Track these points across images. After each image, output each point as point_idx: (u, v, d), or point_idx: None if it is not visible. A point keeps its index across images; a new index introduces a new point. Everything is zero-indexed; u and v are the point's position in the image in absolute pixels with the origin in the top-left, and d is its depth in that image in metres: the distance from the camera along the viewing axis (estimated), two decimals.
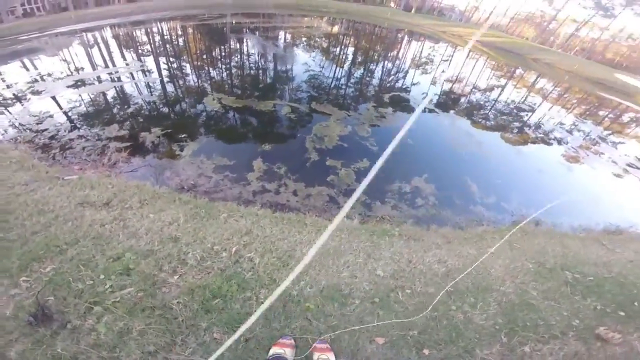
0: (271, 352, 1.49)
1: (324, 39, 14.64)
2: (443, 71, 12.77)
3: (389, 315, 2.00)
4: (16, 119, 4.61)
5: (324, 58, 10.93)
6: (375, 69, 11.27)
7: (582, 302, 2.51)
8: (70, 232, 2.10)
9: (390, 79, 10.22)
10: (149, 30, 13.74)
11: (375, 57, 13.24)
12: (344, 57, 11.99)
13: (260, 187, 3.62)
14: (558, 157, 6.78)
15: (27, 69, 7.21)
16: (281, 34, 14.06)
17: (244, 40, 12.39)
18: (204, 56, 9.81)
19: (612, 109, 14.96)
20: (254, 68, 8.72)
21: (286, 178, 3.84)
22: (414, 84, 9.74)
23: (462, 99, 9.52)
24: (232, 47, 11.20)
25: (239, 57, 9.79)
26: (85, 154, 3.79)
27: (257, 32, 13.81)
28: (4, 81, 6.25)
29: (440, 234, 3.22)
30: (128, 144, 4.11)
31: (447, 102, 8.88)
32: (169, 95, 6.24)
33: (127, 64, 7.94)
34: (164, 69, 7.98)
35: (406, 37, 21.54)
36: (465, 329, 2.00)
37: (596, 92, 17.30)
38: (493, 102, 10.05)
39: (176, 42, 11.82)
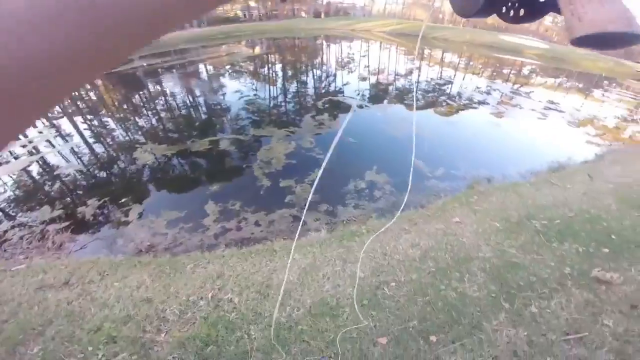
0: None
1: (248, 62, 14.65)
2: (366, 66, 13.56)
3: (382, 312, 2.00)
4: None
5: (254, 81, 10.91)
6: (305, 79, 11.57)
7: (561, 248, 2.62)
8: (40, 314, 2.11)
9: (322, 85, 10.56)
10: None
11: (303, 67, 13.60)
12: (273, 75, 12.11)
13: (220, 229, 3.45)
14: (485, 117, 7.58)
15: None
16: (201, 67, 13.72)
17: (162, 81, 11.85)
18: (125, 106, 9.12)
19: (511, 66, 17.26)
20: (183, 108, 8.34)
21: (244, 212, 3.69)
22: (344, 85, 10.18)
23: (390, 88, 10.19)
24: (152, 91, 10.62)
25: (163, 100, 9.29)
26: (26, 243, 3.46)
27: (174, 71, 13.29)
28: None
29: (405, 218, 3.32)
30: (67, 223, 3.72)
31: (378, 94, 9.41)
32: (98, 158, 5.65)
33: (40, 132, 7.06)
34: (84, 129, 7.25)
35: (324, 42, 22.57)
36: (463, 305, 2.03)
37: (493, 55, 19.88)
38: (416, 83, 10.93)
39: (87, 97, 10.85)
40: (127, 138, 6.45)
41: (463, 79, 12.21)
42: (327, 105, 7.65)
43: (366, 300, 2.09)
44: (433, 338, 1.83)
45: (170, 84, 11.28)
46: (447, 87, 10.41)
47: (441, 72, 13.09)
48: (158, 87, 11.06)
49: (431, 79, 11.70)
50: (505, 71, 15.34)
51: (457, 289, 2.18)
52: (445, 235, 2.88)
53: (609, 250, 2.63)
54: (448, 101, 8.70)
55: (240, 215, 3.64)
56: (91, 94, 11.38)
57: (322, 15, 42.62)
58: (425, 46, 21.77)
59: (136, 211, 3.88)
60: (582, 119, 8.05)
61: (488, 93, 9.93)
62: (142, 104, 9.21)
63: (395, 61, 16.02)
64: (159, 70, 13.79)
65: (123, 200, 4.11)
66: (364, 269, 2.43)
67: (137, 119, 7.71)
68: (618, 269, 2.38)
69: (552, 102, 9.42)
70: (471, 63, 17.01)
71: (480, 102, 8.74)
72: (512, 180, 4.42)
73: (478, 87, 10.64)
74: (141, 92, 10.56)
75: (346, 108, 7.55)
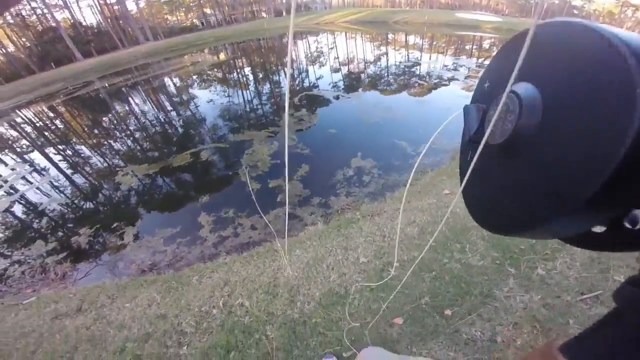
0: None
1: (215, 69, 14.36)
2: (336, 58, 13.62)
3: (391, 293, 2.02)
4: None
5: (225, 87, 10.72)
6: (278, 78, 11.48)
7: None
8: (64, 342, 2.16)
9: (296, 82, 10.53)
10: (12, 123, 11.75)
11: (273, 67, 13.48)
12: (244, 79, 11.93)
13: (218, 238, 3.43)
14: (457, 92, 7.82)
15: None
16: (167, 80, 13.31)
17: (130, 100, 11.44)
18: (96, 131, 8.76)
19: (472, 41, 17.81)
20: (157, 125, 8.10)
21: (238, 218, 3.68)
22: (318, 79, 10.19)
23: (362, 76, 10.30)
24: (120, 111, 10.24)
25: (134, 119, 8.98)
26: (29, 277, 3.49)
27: (139, 87, 12.83)
28: None
29: (397, 198, 3.40)
30: (64, 254, 3.69)
31: (352, 83, 9.50)
32: (79, 188, 5.44)
33: (12, 169, 6.68)
34: (59, 160, 6.92)
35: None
36: (470, 276, 2.03)
37: (454, 33, 20.42)
38: (386, 68, 11.10)
39: (54, 127, 10.32)
40: (105, 164, 6.22)
41: (430, 58, 12.50)
42: (304, 101, 7.66)
43: (373, 284, 2.11)
44: (448, 312, 1.82)
45: (139, 102, 10.91)
46: (416, 69, 10.64)
47: (408, 55, 13.34)
48: (126, 107, 10.67)
49: (399, 62, 11.91)
50: (467, 47, 15.82)
51: (460, 260, 2.20)
52: (438, 208, 2.93)
53: None
54: (419, 82, 8.91)
55: (236, 222, 3.62)
56: (57, 122, 10.83)
57: (284, 13, 42.22)
58: (388, 31, 22.08)
59: (131, 233, 3.82)
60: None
61: (455, 69, 10.23)
62: (113, 126, 8.86)
63: (363, 49, 16.16)
64: (123, 89, 13.29)
65: (115, 225, 4.03)
66: (366, 253, 2.45)
67: (111, 142, 7.43)
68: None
69: None
70: (435, 43, 17.42)
71: (450, 79, 9.00)
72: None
73: (445, 65, 10.94)
74: (110, 115, 10.15)
75: (323, 102, 7.59)
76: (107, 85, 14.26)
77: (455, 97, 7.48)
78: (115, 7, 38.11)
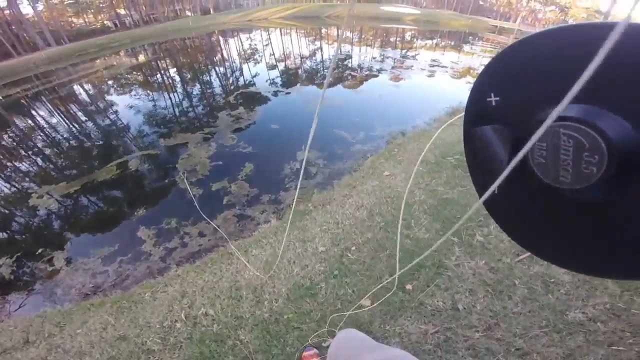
0: None
1: (134, 72, 12.92)
2: (271, 54, 13.43)
3: (355, 277, 2.10)
4: None
5: (148, 91, 9.73)
6: (209, 78, 10.84)
7: None
8: None
9: (230, 81, 10.09)
10: None
11: (202, 67, 12.68)
12: (170, 81, 10.99)
13: (164, 250, 3.16)
14: (386, 81, 8.40)
15: None
16: (77, 87, 11.57)
17: (32, 113, 9.67)
18: None
19: (395, 33, 19.25)
20: (71, 139, 7.00)
21: (183, 227, 3.42)
22: (254, 76, 9.92)
23: (299, 71, 10.36)
24: (22, 127, 8.59)
25: (41, 135, 7.61)
26: None
27: (43, 98, 10.94)
28: None
29: (343, 185, 3.53)
30: None
31: (289, 78, 9.50)
32: None
33: None
34: None
35: (221, 38, 21.34)
36: (420, 249, 2.18)
37: (380, 25, 21.83)
38: (321, 62, 11.36)
39: None
40: (12, 189, 5.16)
41: (359, 51, 13.17)
42: (240, 100, 7.40)
43: (336, 271, 2.17)
44: (409, 286, 1.93)
45: (44, 114, 9.28)
46: (348, 62, 11.11)
47: (340, 49, 13.83)
48: (29, 121, 8.98)
49: (333, 56, 12.29)
50: (392, 39, 17.07)
51: (409, 235, 2.34)
52: (382, 190, 3.12)
53: None
54: (352, 74, 9.33)
55: (181, 231, 3.37)
56: None
57: (212, 11, 39.89)
58: (322, 26, 22.54)
59: (61, 258, 3.31)
60: (461, 70, 9.62)
61: (382, 61, 10.97)
62: (15, 144, 7.38)
63: (298, 45, 16.23)
64: (22, 100, 11.16)
65: (40, 251, 3.44)
66: (324, 242, 2.50)
67: (15, 163, 6.19)
68: None
69: (435, 61, 10.96)
70: (363, 36, 18.37)
71: (379, 70, 9.62)
72: (420, 129, 5.10)
73: (374, 57, 11.64)
74: (9, 131, 8.43)
75: (261, 99, 7.45)
76: (1, 97, 11.79)
77: (385, 86, 8.06)
78: (7, 12, 31.58)
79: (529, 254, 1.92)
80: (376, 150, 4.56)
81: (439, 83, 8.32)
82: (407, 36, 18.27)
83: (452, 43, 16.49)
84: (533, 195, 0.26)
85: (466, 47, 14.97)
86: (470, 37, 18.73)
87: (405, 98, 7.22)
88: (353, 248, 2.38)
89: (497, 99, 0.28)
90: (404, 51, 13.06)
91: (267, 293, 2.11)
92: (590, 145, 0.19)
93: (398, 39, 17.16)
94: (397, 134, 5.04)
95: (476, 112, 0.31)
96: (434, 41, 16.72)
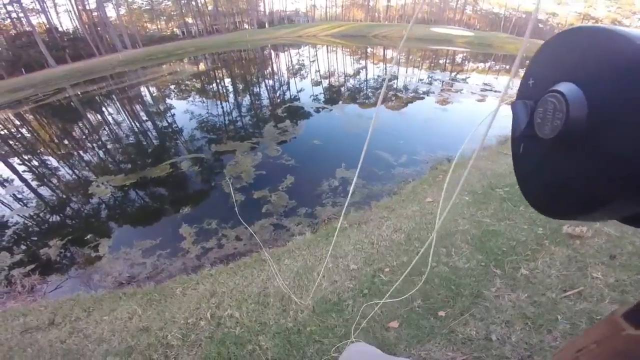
0: None
1: (194, 80, 14.16)
2: (317, 71, 13.91)
3: (384, 298, 2.05)
4: None
5: (204, 98, 10.58)
6: (259, 90, 11.51)
7: (529, 211, 2.66)
8: (37, 356, 2.04)
9: (277, 94, 10.59)
10: None
11: (254, 79, 13.52)
12: (224, 91, 11.86)
13: (201, 249, 3.32)
14: (433, 105, 8.21)
15: None
16: (143, 89, 12.95)
17: (103, 109, 10.99)
18: (66, 141, 8.29)
19: (445, 55, 18.87)
20: (131, 136, 7.82)
21: (222, 229, 3.59)
22: (299, 91, 10.33)
23: (342, 89, 10.57)
24: (92, 121, 9.79)
25: (107, 130, 8.61)
26: None
27: (114, 96, 12.38)
28: None
29: (382, 207, 3.45)
30: (32, 266, 3.45)
31: (332, 96, 9.72)
32: (47, 200, 5.09)
33: None
34: (23, 171, 6.45)
35: (272, 52, 22.66)
36: (458, 278, 2.10)
37: (428, 47, 21.56)
38: (365, 81, 11.48)
39: (20, 135, 9.66)
40: (74, 176, 5.88)
41: (406, 72, 13.10)
42: (285, 113, 7.72)
43: (366, 290, 2.13)
44: (442, 313, 1.86)
45: (112, 111, 10.50)
46: (394, 82, 11.08)
47: (385, 68, 13.89)
48: (99, 117, 10.23)
49: (377, 75, 12.37)
50: (441, 61, 16.75)
51: (448, 263, 2.26)
52: (422, 215, 3.02)
53: None
54: (397, 95, 9.28)
55: (219, 233, 3.54)
56: (23, 130, 10.14)
57: (267, 25, 42.70)
58: (367, 45, 22.90)
59: (106, 245, 3.62)
60: (514, 96, 9.11)
61: (430, 83, 10.77)
62: (84, 136, 8.44)
63: (343, 62, 16.64)
64: (97, 97, 12.76)
65: (88, 236, 3.81)
66: (356, 260, 2.47)
67: (81, 153, 7.06)
68: (584, 223, 2.43)
69: (486, 85, 10.50)
70: (411, 57, 18.29)
71: (426, 92, 9.45)
72: (468, 156, 4.86)
73: (421, 79, 11.49)
74: (80, 124, 9.67)
75: (305, 114, 7.69)
76: (79, 93, 13.62)
77: (432, 109, 7.86)
78: (94, 14, 36.88)
79: (576, 290, 1.87)
80: (419, 175, 4.43)
81: (490, 109, 7.92)
82: (458, 58, 17.82)
83: (507, 67, 15.71)
84: (536, 150, 0.35)
85: (522, 71, 14.14)
86: (527, 61, 17.65)
87: (452, 122, 6.96)
88: (387, 269, 2.32)
89: (532, 81, 0.39)
90: (453, 74, 12.72)
91: (294, 303, 2.11)
92: (558, 105, 0.28)
93: (448, 61, 16.80)
94: (443, 159, 4.85)
95: (521, 91, 0.42)
96: (487, 64, 16.08)
